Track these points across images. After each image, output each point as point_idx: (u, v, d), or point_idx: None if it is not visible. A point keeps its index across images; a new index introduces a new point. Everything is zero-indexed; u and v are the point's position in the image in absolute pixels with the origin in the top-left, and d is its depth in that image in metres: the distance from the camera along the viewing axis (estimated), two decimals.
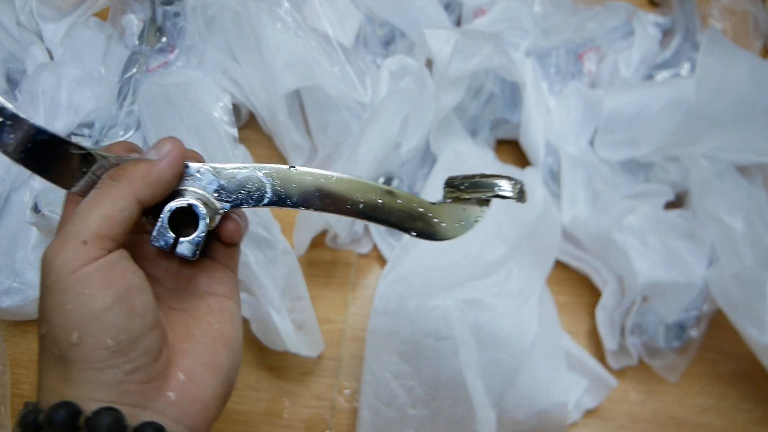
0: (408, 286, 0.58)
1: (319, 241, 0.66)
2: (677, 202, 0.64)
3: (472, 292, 0.56)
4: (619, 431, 0.59)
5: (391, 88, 0.67)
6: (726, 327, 0.58)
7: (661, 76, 0.72)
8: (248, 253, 0.59)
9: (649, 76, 0.72)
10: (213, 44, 0.72)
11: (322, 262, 0.66)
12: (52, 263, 0.29)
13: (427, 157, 0.68)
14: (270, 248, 0.60)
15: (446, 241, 0.61)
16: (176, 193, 0.34)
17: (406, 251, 0.61)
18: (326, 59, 0.68)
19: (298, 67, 0.65)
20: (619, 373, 0.60)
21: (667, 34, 0.76)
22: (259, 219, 0.60)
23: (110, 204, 0.30)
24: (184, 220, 0.34)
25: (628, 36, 0.74)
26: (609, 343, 0.60)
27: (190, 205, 0.34)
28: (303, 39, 0.68)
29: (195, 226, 0.34)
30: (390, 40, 0.76)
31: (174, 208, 0.34)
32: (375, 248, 0.67)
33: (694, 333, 0.60)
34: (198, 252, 0.34)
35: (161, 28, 0.74)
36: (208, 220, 0.34)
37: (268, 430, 0.59)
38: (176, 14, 0.73)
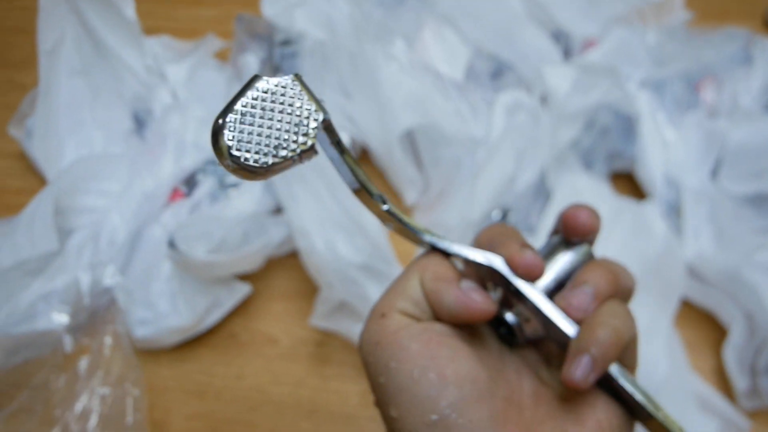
0: None
1: None
2: None
3: None
4: None
5: (505, 123, 0.68)
6: None
7: None
8: (368, 287, 0.61)
9: None
10: (328, 83, 0.75)
11: None
12: (361, 342, 0.30)
13: (541, 191, 0.68)
14: (389, 281, 0.61)
15: None
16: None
17: None
18: (440, 96, 0.70)
19: (415, 105, 0.67)
20: (751, 414, 0.58)
21: None
22: (379, 252, 0.62)
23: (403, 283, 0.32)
24: None
25: (746, 63, 0.72)
26: (739, 383, 0.58)
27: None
28: (417, 77, 0.70)
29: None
30: (498, 74, 0.77)
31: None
32: None
33: None
34: (515, 341, 0.33)
35: (278, 68, 0.78)
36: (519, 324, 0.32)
37: None
38: (293, 55, 0.77)
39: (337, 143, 0.30)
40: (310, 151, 0.28)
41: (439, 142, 0.70)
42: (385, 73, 0.68)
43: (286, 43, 0.77)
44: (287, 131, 0.27)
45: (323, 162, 0.68)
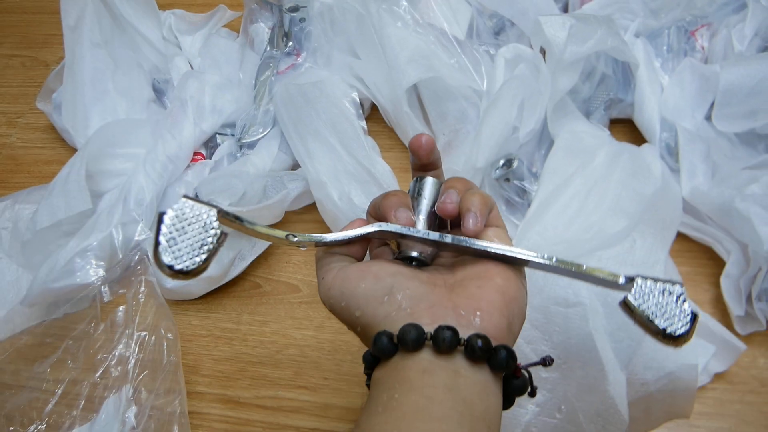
0: None
1: None
2: None
3: (598, 262, 0.59)
4: (748, 395, 0.60)
5: (506, 75, 0.71)
6: None
7: None
8: None
9: (764, 49, 0.72)
10: (336, 45, 0.78)
11: None
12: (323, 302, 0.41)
13: (543, 139, 0.71)
14: None
15: (557, 233, 0.64)
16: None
17: (530, 226, 0.64)
18: (444, 52, 0.73)
19: (420, 61, 0.70)
20: (747, 339, 0.61)
21: None
22: None
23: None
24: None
25: (740, 10, 0.74)
26: (735, 309, 0.61)
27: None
28: (422, 34, 0.73)
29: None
30: (500, 30, 0.80)
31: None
32: None
33: None
34: (424, 261, 0.43)
35: (288, 34, 0.81)
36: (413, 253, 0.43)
37: None
38: (302, 20, 0.80)
39: (236, 220, 0.39)
40: (222, 237, 0.38)
41: (444, 96, 0.73)
42: (390, 32, 0.71)
43: (295, 9, 0.81)
44: (201, 234, 0.37)
45: (336, 118, 0.71)
